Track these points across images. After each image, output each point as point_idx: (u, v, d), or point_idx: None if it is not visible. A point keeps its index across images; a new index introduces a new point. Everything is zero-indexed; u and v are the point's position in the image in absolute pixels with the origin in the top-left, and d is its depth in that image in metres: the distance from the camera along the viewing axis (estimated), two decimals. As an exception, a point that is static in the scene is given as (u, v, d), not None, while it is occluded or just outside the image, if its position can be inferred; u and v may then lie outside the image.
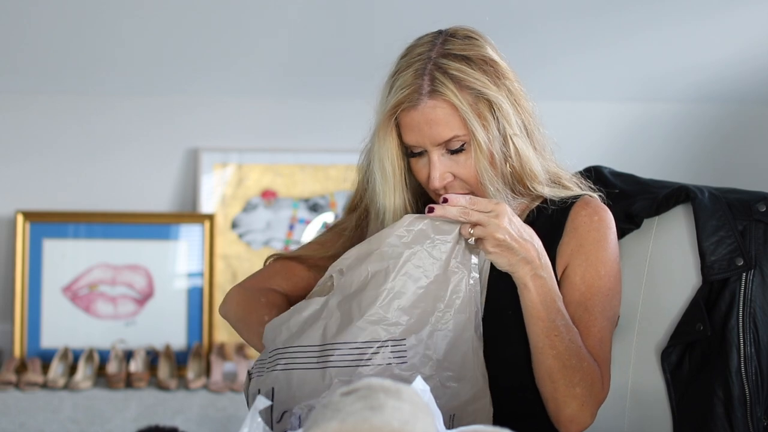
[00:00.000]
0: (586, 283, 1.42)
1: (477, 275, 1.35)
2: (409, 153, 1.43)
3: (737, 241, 1.51)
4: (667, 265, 1.59)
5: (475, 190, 1.42)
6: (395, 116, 1.40)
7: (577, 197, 1.48)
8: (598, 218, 1.46)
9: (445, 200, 1.34)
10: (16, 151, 3.14)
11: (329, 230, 1.61)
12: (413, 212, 1.45)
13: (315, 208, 3.19)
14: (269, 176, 3.18)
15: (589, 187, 1.53)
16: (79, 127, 3.16)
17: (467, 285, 1.33)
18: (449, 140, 1.39)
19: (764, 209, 1.52)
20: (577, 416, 1.37)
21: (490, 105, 1.39)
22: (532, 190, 1.46)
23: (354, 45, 2.90)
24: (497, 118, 1.39)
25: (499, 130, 1.40)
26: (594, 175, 1.70)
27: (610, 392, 1.51)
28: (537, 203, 1.50)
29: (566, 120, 3.17)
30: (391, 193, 1.44)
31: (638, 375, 1.58)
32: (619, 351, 1.58)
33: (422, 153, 1.42)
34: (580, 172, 1.71)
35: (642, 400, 1.58)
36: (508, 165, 1.42)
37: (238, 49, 2.99)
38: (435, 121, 1.38)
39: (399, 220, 1.35)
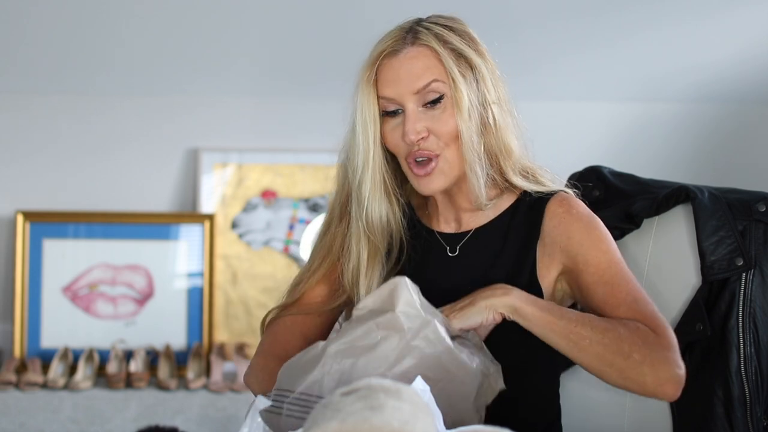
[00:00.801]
0: (595, 263, 1.40)
1: (485, 347, 1.34)
2: (384, 113, 1.41)
3: (737, 241, 1.51)
4: (667, 265, 1.59)
5: (449, 148, 1.39)
6: (376, 65, 1.40)
7: (551, 194, 1.46)
8: (577, 210, 1.44)
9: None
10: (16, 151, 3.14)
11: (320, 254, 1.54)
12: (392, 180, 1.44)
13: (315, 208, 3.19)
14: (269, 176, 3.18)
15: (563, 182, 1.52)
16: (79, 127, 3.16)
17: (473, 359, 1.30)
18: (427, 87, 1.37)
19: (764, 209, 1.52)
20: (659, 377, 1.30)
21: (472, 67, 1.39)
22: (504, 170, 1.44)
23: (354, 45, 2.89)
24: (477, 81, 1.39)
25: (478, 93, 1.39)
26: (594, 175, 1.70)
27: (609, 392, 1.51)
28: (509, 202, 1.47)
29: (566, 120, 3.17)
30: (370, 146, 1.41)
31: (638, 375, 1.58)
32: (619, 351, 1.57)
33: (398, 113, 1.40)
34: (580, 172, 1.71)
35: (642, 400, 1.57)
36: (483, 134, 1.40)
37: (238, 49, 2.98)
38: (415, 66, 1.38)
39: (415, 286, 1.31)
